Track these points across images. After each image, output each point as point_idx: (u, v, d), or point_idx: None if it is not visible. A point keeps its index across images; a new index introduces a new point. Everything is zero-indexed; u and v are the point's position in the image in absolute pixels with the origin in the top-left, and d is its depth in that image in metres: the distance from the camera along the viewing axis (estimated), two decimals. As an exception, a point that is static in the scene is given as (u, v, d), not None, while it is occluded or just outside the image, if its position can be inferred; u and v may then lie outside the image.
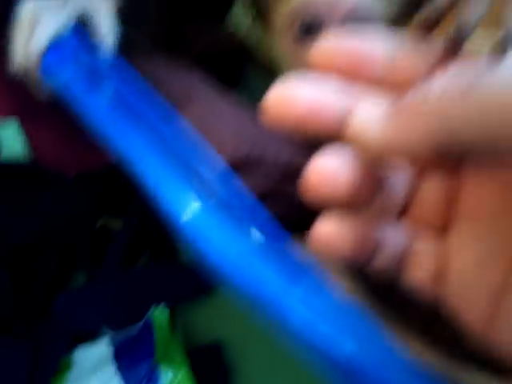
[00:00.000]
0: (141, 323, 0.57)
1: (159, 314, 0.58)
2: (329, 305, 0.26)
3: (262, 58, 0.51)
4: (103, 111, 0.32)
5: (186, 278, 0.64)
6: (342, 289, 0.28)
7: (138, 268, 0.64)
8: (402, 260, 0.23)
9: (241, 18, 0.51)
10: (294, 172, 0.36)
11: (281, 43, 0.45)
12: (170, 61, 0.46)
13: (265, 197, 0.34)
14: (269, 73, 0.54)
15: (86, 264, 0.68)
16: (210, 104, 0.40)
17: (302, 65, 0.42)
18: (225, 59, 0.56)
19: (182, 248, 0.69)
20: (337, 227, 0.21)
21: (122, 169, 0.33)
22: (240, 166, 0.35)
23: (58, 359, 0.57)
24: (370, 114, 0.21)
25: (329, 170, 0.21)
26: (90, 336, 0.58)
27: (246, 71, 0.58)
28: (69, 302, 0.57)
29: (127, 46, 0.45)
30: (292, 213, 0.34)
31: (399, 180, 0.24)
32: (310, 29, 0.41)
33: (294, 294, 0.26)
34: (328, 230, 0.21)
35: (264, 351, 0.59)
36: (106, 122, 0.31)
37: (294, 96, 0.21)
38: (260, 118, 0.22)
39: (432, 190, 0.24)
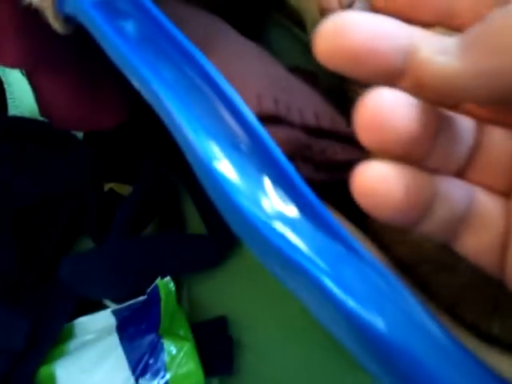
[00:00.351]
0: (146, 295, 0.54)
1: (165, 286, 0.55)
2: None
3: (291, 9, 0.49)
4: (127, 41, 0.28)
5: (194, 250, 0.61)
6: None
7: (145, 237, 0.61)
8: (460, 221, 0.20)
9: None
10: (318, 135, 0.34)
11: None
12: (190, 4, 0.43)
13: (289, 156, 0.31)
14: (292, 28, 0.51)
15: (92, 228, 0.66)
16: (236, 50, 0.37)
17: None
18: (247, 8, 0.52)
19: (191, 218, 0.66)
20: (388, 172, 0.18)
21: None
22: (262, 121, 0.32)
23: (60, 326, 0.55)
24: (439, 43, 0.17)
25: (386, 106, 0.18)
26: (93, 307, 0.56)
27: (268, 31, 0.54)
28: (73, 268, 0.55)
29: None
30: (316, 178, 0.31)
31: (463, 130, 0.20)
32: None
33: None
34: (377, 174, 0.18)
35: (271, 327, 0.57)
36: (129, 54, 0.28)
37: (353, 24, 0.18)
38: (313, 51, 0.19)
39: (501, 143, 0.20)
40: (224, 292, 0.61)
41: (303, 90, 0.37)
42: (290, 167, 0.22)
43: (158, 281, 0.55)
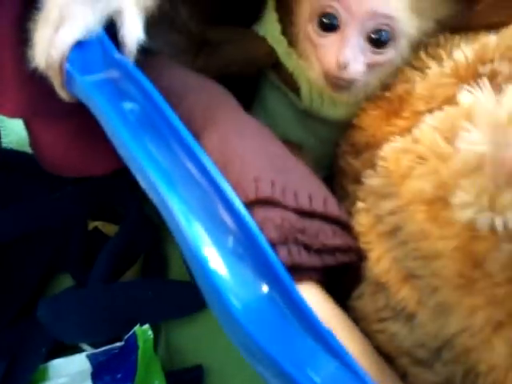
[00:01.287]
0: (123, 342, 0.54)
1: (143, 334, 0.55)
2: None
3: (285, 72, 0.51)
4: (128, 126, 0.29)
5: (174, 297, 0.61)
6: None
7: (126, 282, 0.61)
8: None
9: (270, 25, 0.50)
10: (311, 217, 0.35)
11: (303, 40, 0.45)
12: (195, 73, 0.44)
13: (281, 240, 0.32)
14: (288, 93, 0.53)
15: (73, 266, 0.65)
16: (235, 127, 0.38)
17: (317, 61, 0.43)
18: (246, 74, 0.54)
19: (174, 262, 0.66)
20: None
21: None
22: (259, 204, 0.33)
23: (34, 367, 0.54)
24: None
25: None
26: (69, 350, 0.55)
27: (265, 95, 0.56)
28: (52, 309, 0.54)
29: (152, 53, 0.43)
30: (308, 262, 0.33)
31: None
32: (330, 24, 0.42)
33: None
34: None
35: (246, 378, 0.56)
36: (128, 139, 0.29)
37: None
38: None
39: None
40: (202, 340, 0.61)
41: (299, 169, 0.38)
42: (284, 274, 0.23)
43: (137, 328, 0.55)
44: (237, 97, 0.55)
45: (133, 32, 0.37)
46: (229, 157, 0.35)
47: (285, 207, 0.33)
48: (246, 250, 0.25)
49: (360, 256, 0.36)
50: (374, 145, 0.48)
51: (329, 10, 0.42)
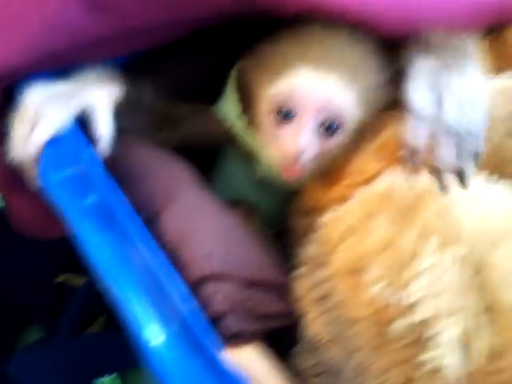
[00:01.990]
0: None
1: (111, 383, 0.59)
2: None
3: (244, 147, 0.57)
4: (84, 221, 0.35)
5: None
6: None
7: (93, 334, 0.65)
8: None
9: (230, 106, 0.56)
10: (258, 286, 0.40)
11: (262, 127, 0.50)
12: (157, 151, 0.49)
13: (229, 310, 0.38)
14: (244, 162, 0.59)
15: (42, 319, 0.69)
16: (192, 205, 0.44)
17: (278, 148, 0.47)
18: (205, 146, 0.60)
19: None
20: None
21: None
22: (211, 278, 0.38)
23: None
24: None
25: None
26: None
27: (226, 163, 0.62)
28: (23, 364, 0.58)
29: (119, 135, 0.49)
30: (253, 329, 0.38)
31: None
32: (286, 115, 0.47)
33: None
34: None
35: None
36: (84, 233, 0.35)
37: None
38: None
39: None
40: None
41: (248, 240, 0.44)
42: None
43: (105, 378, 0.59)
44: (198, 162, 0.61)
45: (104, 126, 0.42)
46: (186, 234, 0.40)
47: (234, 279, 0.39)
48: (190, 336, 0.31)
49: (298, 318, 0.42)
50: (318, 209, 0.54)
51: (285, 105, 0.46)
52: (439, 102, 0.37)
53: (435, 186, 0.37)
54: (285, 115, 0.47)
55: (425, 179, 0.39)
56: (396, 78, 0.47)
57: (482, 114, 0.38)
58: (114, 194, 0.38)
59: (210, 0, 0.46)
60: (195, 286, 0.38)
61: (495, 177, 0.41)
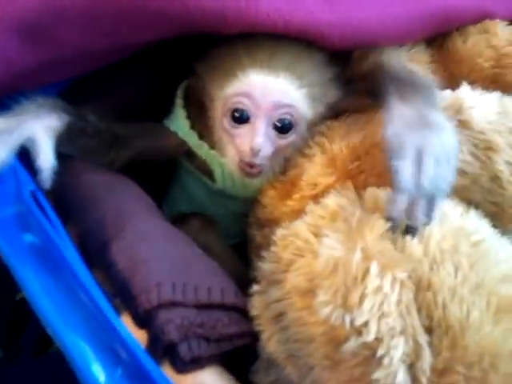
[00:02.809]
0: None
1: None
2: None
3: (197, 159, 0.57)
4: (22, 262, 0.35)
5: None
6: None
7: (55, 352, 0.64)
8: None
9: (180, 121, 0.56)
10: (210, 309, 0.41)
11: (217, 131, 0.51)
12: (105, 176, 0.49)
13: (183, 337, 0.38)
14: (199, 175, 0.59)
15: (2, 338, 0.68)
16: (142, 233, 0.44)
17: (233, 149, 0.49)
18: (159, 161, 0.59)
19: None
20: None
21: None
22: (162, 308, 0.39)
23: None
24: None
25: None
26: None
27: (182, 178, 0.62)
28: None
29: (66, 161, 0.48)
30: (207, 353, 0.39)
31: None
32: (241, 116, 0.48)
33: None
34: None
35: None
36: (22, 275, 0.35)
37: None
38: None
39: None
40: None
41: (200, 263, 0.44)
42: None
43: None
44: (154, 174, 0.61)
45: (44, 159, 0.42)
46: (135, 263, 0.40)
47: (185, 305, 0.39)
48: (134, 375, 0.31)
49: (255, 337, 0.43)
50: (272, 222, 0.55)
51: (239, 106, 0.48)
52: (419, 165, 0.39)
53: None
54: (239, 118, 0.48)
55: (369, 205, 0.40)
56: (341, 78, 0.52)
57: (454, 167, 0.40)
58: (54, 233, 0.37)
59: (149, 25, 0.46)
60: (148, 316, 0.38)
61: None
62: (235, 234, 0.62)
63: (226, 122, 0.50)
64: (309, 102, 0.49)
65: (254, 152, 0.48)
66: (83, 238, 0.45)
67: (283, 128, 0.49)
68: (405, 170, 0.39)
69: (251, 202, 0.57)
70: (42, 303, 0.34)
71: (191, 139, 0.56)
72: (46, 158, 0.42)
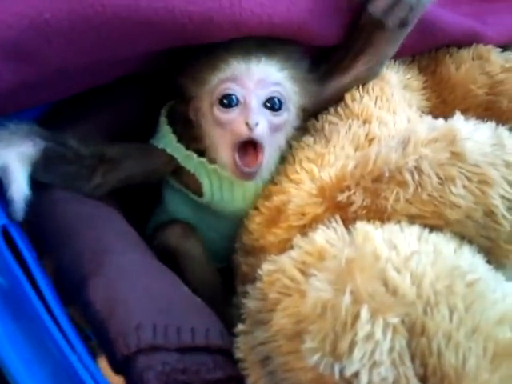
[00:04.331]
0: None
1: None
2: None
3: (185, 175, 0.55)
4: None
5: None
6: None
7: None
8: None
9: (166, 137, 0.55)
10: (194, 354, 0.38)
11: (208, 124, 0.51)
12: (84, 206, 0.47)
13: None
14: (186, 193, 0.58)
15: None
16: (121, 270, 0.41)
17: (223, 143, 0.49)
18: (145, 183, 0.58)
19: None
20: None
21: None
22: (141, 352, 0.36)
23: None
24: None
25: None
26: None
27: (164, 195, 0.61)
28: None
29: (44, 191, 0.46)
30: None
31: None
32: (230, 101, 0.49)
33: None
34: None
35: None
36: None
37: None
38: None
39: None
40: None
41: (183, 301, 0.42)
42: None
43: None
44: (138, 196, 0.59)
45: (17, 189, 0.40)
46: (113, 304, 0.38)
47: (167, 349, 0.37)
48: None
49: (241, 381, 0.40)
50: (258, 250, 0.53)
51: (227, 92, 0.49)
52: None
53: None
54: (228, 102, 0.49)
55: (359, 241, 0.38)
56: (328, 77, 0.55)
57: None
58: (22, 277, 0.35)
59: (135, 37, 0.45)
60: (126, 362, 0.36)
61: (428, 229, 0.41)
62: (223, 258, 0.60)
63: (217, 111, 0.50)
64: (293, 83, 0.51)
65: (252, 126, 0.48)
66: (59, 274, 0.42)
67: (273, 105, 0.50)
68: None
69: (238, 222, 0.56)
70: (5, 353, 0.32)
71: (180, 153, 0.55)
72: (19, 188, 0.40)
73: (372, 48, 0.55)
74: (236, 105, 0.49)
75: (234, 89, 0.49)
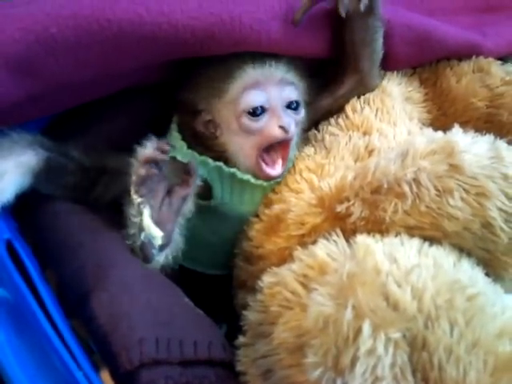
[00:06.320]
0: None
1: None
2: None
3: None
4: None
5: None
6: None
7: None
8: None
9: (176, 144, 0.54)
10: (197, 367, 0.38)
11: (231, 133, 0.52)
12: (87, 217, 0.47)
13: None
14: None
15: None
16: (124, 283, 0.42)
17: (248, 148, 0.51)
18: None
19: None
20: None
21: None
22: (144, 367, 0.37)
23: None
24: None
25: None
26: None
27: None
28: None
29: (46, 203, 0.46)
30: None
31: None
32: (259, 112, 0.51)
33: None
34: None
35: None
36: None
37: None
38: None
39: None
40: None
41: (185, 314, 0.42)
42: None
43: None
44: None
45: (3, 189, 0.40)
46: (116, 318, 0.38)
47: (169, 363, 0.37)
48: None
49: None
50: (258, 259, 0.53)
51: (255, 104, 0.51)
52: None
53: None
54: (258, 112, 0.51)
55: (360, 255, 0.38)
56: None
57: None
58: (26, 290, 0.35)
59: (139, 50, 0.46)
60: (130, 376, 0.36)
61: (428, 241, 0.42)
62: (225, 264, 0.60)
63: (247, 121, 0.52)
64: (300, 81, 0.54)
65: (286, 129, 0.51)
66: (62, 287, 0.43)
67: (292, 105, 0.54)
68: None
69: (241, 225, 0.56)
70: (9, 366, 0.32)
71: (191, 159, 0.54)
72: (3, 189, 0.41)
73: (355, 57, 0.56)
74: (263, 112, 0.52)
75: (259, 97, 0.51)
